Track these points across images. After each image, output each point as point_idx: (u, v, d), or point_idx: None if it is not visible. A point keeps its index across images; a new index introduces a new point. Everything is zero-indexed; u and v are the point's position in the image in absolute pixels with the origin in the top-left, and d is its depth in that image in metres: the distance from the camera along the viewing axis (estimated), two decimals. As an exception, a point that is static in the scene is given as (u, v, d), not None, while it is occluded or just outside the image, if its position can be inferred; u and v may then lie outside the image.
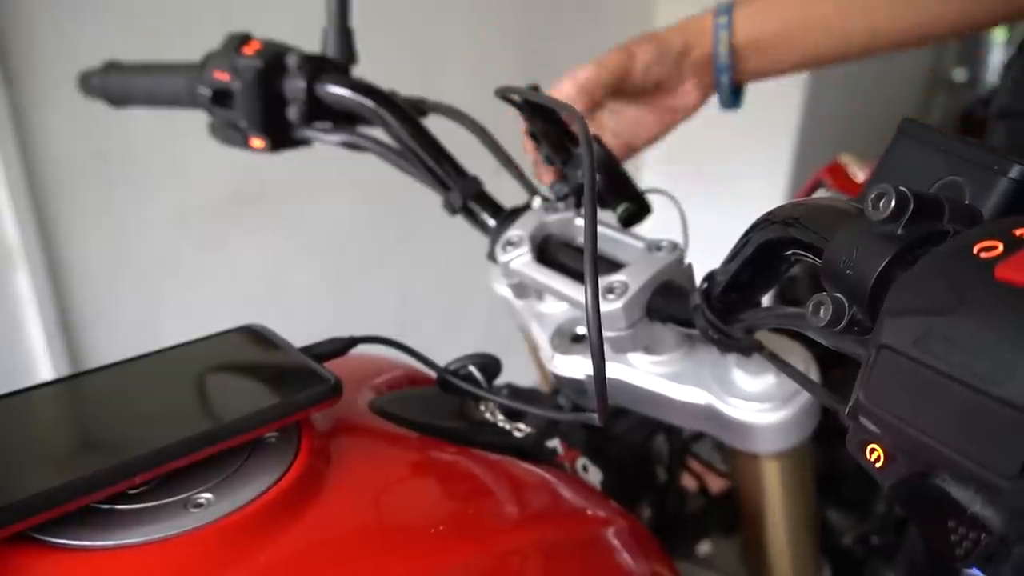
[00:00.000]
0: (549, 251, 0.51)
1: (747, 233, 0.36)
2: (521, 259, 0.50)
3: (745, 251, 0.37)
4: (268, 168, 1.11)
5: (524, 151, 0.58)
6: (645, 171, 2.06)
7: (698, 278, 0.44)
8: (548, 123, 0.50)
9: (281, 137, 0.62)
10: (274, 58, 0.59)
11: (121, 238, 1.21)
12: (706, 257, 0.49)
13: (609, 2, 1.88)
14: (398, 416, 0.44)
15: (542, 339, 0.54)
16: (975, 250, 0.23)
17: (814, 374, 0.49)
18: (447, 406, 0.49)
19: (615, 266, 0.47)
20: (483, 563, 0.35)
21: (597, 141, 0.50)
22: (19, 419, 0.35)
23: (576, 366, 0.51)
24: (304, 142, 0.63)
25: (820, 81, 1.92)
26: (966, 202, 0.29)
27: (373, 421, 0.44)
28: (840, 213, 0.30)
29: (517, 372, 0.58)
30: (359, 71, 0.62)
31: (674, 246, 0.47)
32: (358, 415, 0.44)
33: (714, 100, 0.69)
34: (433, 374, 0.48)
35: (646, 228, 0.51)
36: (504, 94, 0.48)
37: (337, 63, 0.61)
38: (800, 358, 0.49)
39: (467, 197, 0.54)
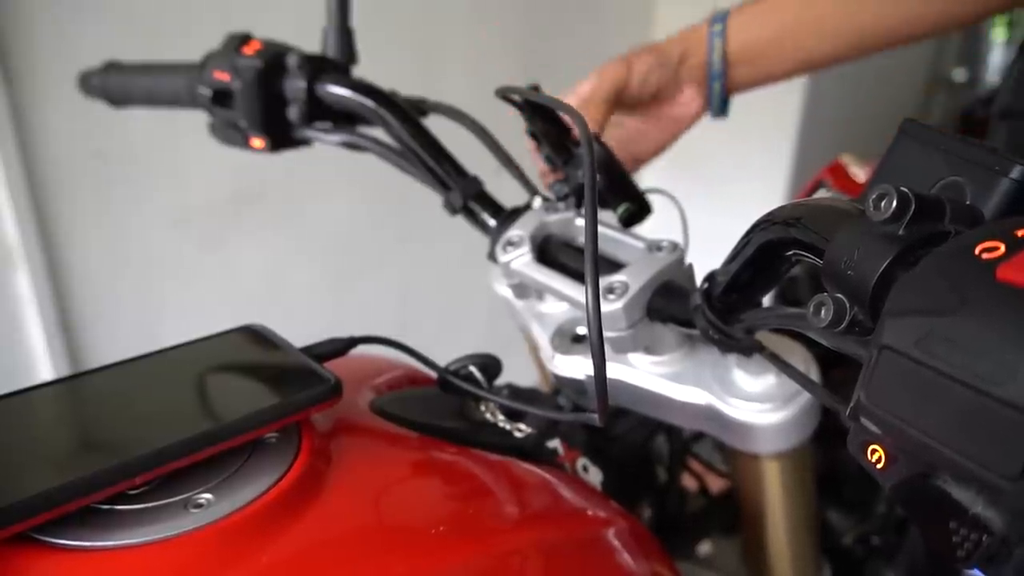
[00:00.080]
0: (550, 251, 0.51)
1: (748, 233, 0.36)
2: (521, 259, 0.50)
3: (746, 251, 0.37)
4: (268, 168, 1.11)
5: (530, 152, 0.58)
6: (645, 171, 2.05)
7: (698, 278, 0.44)
8: (548, 123, 0.50)
9: (281, 137, 0.62)
10: (274, 58, 0.59)
11: (121, 238, 1.21)
12: (706, 257, 0.49)
13: (609, 2, 1.88)
14: (398, 416, 0.44)
15: (542, 339, 0.54)
16: (977, 251, 0.23)
17: (815, 374, 0.49)
18: (447, 406, 0.49)
19: (615, 266, 0.47)
20: (483, 563, 0.35)
21: (597, 141, 0.50)
22: (19, 419, 0.35)
23: (576, 366, 0.51)
24: (304, 142, 0.63)
25: (820, 81, 1.91)
26: (967, 203, 0.29)
27: (373, 421, 0.44)
28: (841, 213, 0.30)
29: (517, 372, 0.58)
30: (359, 71, 0.62)
31: (675, 246, 0.47)
32: (358, 415, 0.44)
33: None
34: (433, 374, 0.48)
35: (646, 228, 0.51)
36: (504, 94, 0.48)
37: (337, 63, 0.61)
38: (801, 358, 0.49)
39: (467, 197, 0.54)
